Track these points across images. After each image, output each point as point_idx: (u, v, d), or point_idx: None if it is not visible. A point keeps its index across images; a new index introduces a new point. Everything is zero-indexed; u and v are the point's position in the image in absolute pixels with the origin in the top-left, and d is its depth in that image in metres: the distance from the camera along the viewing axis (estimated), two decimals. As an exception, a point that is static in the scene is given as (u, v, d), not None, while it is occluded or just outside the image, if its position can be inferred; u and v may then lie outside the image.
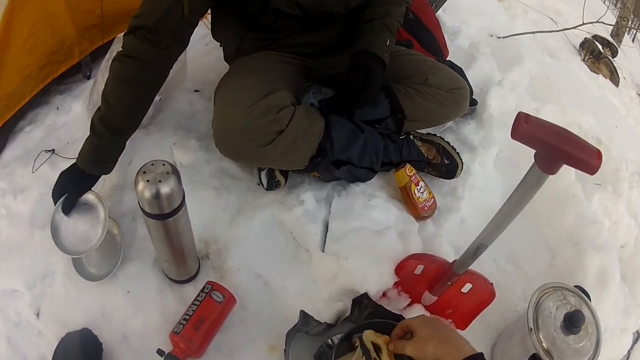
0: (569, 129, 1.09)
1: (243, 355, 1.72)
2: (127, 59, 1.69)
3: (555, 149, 1.07)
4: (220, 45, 2.22)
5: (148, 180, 1.36)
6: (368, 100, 1.99)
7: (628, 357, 2.30)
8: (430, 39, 2.63)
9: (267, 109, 1.76)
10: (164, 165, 1.40)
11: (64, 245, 1.76)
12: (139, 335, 1.72)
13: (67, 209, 1.79)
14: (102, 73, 2.10)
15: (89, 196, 1.83)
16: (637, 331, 2.38)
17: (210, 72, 2.50)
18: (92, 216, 1.81)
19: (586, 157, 1.06)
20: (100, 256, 1.87)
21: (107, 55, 2.13)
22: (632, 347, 2.30)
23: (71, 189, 1.79)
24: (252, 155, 1.84)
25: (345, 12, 1.98)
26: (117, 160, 1.83)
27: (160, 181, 1.36)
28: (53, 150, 2.11)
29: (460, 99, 2.19)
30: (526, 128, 1.07)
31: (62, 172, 1.80)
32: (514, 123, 1.08)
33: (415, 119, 2.16)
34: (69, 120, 2.27)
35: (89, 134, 1.74)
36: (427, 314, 1.88)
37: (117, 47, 2.09)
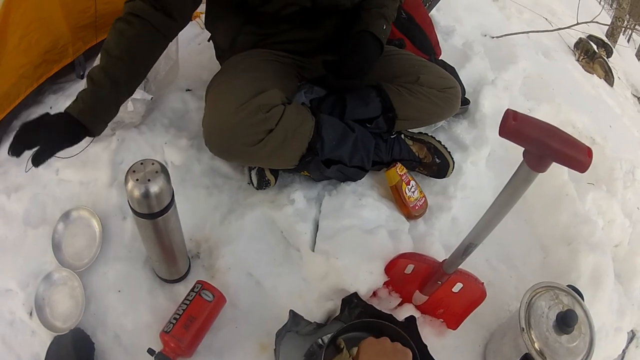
0: (563, 129, 1.09)
1: (234, 355, 1.72)
2: (133, 18, 1.67)
3: (544, 146, 1.07)
4: (209, 40, 2.22)
5: (137, 180, 1.36)
6: (361, 77, 2.00)
7: (623, 357, 2.29)
8: (422, 38, 2.63)
9: (257, 108, 1.76)
10: (153, 164, 1.40)
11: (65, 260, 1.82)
12: (130, 335, 1.72)
13: (39, 161, 1.55)
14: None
15: (83, 212, 1.88)
16: (631, 330, 2.38)
17: (202, 71, 2.50)
18: (88, 232, 1.86)
19: (576, 155, 1.06)
20: (79, 247, 1.89)
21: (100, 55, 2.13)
22: (627, 347, 2.30)
23: (52, 138, 1.59)
24: (242, 154, 1.84)
25: (351, 5, 2.00)
26: (107, 123, 1.71)
27: (149, 180, 1.36)
28: (45, 149, 2.09)
29: (452, 98, 2.19)
30: (514, 125, 1.06)
31: (42, 117, 1.61)
32: (501, 120, 1.08)
33: (407, 118, 2.16)
34: (62, 119, 2.26)
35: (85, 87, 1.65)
36: (418, 313, 1.89)
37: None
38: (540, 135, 1.07)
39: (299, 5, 1.89)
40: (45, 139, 1.56)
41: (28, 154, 1.51)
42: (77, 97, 1.64)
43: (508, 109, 1.09)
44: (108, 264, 1.85)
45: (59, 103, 2.31)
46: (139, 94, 2.05)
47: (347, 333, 1.58)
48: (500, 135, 1.09)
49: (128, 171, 1.38)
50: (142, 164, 1.39)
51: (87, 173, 2.02)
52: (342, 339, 1.51)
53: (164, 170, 1.40)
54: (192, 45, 2.75)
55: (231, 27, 2.04)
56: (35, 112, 2.28)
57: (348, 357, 1.44)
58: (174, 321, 1.62)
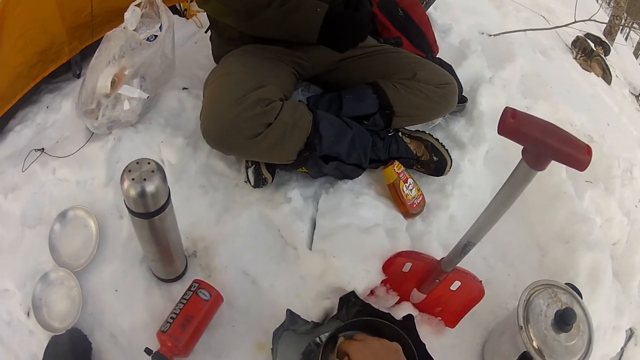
0: (560, 127, 1.08)
1: (231, 354, 1.72)
2: None
3: (543, 144, 1.06)
4: (207, 31, 2.22)
5: (133, 179, 1.35)
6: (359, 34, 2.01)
7: (621, 355, 2.30)
8: (420, 36, 2.63)
9: (256, 101, 1.76)
10: (149, 163, 1.39)
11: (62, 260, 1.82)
12: (127, 334, 1.72)
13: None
14: (91, 71, 2.09)
15: (80, 212, 1.89)
16: (630, 329, 2.38)
17: (199, 70, 2.49)
18: (84, 232, 1.86)
19: (575, 153, 1.05)
20: (76, 247, 1.88)
21: (96, 54, 2.12)
22: (625, 345, 2.30)
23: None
24: (240, 147, 1.84)
25: None
26: None
27: (145, 179, 1.35)
28: (43, 149, 2.10)
29: (449, 95, 2.20)
30: (513, 123, 1.05)
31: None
32: (500, 118, 1.07)
33: (404, 115, 2.16)
34: (59, 118, 2.27)
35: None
36: (416, 312, 1.88)
37: (106, 45, 2.09)
38: (540, 134, 1.06)
39: None
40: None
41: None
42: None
43: (507, 107, 1.08)
44: (105, 264, 1.85)
45: (55, 102, 2.31)
46: (135, 92, 2.05)
47: (344, 332, 1.57)
48: (499, 133, 1.08)
49: (124, 170, 1.38)
50: (138, 163, 1.39)
51: (84, 172, 2.02)
52: (343, 337, 1.51)
53: (159, 169, 1.39)
54: (189, 44, 2.75)
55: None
56: (31, 112, 2.29)
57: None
58: (171, 320, 1.62)
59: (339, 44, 1.92)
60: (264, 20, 1.88)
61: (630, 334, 2.40)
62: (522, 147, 1.11)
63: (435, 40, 2.78)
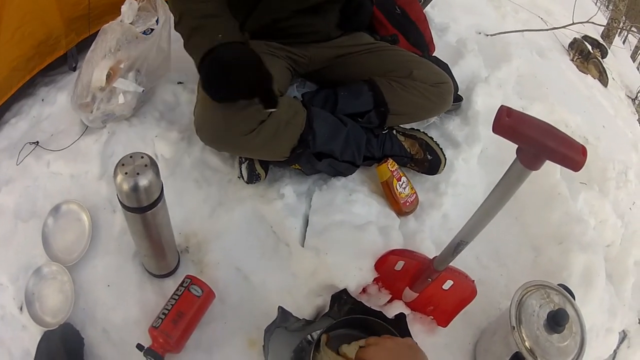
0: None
1: (223, 350, 1.72)
2: None
3: (538, 144, 1.06)
4: None
5: (126, 173, 1.35)
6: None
7: (614, 357, 2.30)
8: (416, 33, 2.63)
9: None
10: (142, 157, 1.39)
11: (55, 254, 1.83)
12: (119, 330, 1.72)
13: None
14: (86, 64, 2.08)
15: (73, 206, 1.90)
16: (623, 331, 2.39)
17: (194, 64, 2.47)
18: (78, 226, 1.87)
19: (570, 153, 1.05)
20: (69, 241, 1.88)
21: (92, 47, 2.11)
22: (618, 347, 2.31)
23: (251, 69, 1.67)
24: (233, 143, 1.83)
25: None
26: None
27: (138, 174, 1.35)
28: (37, 142, 2.09)
29: (445, 94, 2.20)
30: (508, 122, 1.05)
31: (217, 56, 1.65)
32: (495, 116, 1.06)
33: (399, 113, 2.16)
34: (54, 111, 2.26)
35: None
36: (408, 310, 1.88)
37: (102, 38, 2.08)
38: (535, 133, 1.06)
39: None
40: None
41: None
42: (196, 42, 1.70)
43: (502, 106, 1.08)
44: (97, 258, 1.85)
45: (51, 95, 2.31)
46: (130, 86, 2.04)
47: (336, 329, 1.57)
48: (493, 131, 1.07)
49: (117, 165, 1.37)
50: (131, 157, 1.38)
51: (78, 166, 2.02)
52: (325, 336, 1.51)
53: (153, 163, 1.39)
54: (186, 39, 2.74)
55: (243, 11, 2.00)
56: (27, 104, 2.29)
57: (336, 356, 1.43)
58: (163, 316, 1.62)
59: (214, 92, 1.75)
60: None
61: (623, 336, 2.41)
62: (516, 146, 1.11)
63: (432, 39, 2.77)
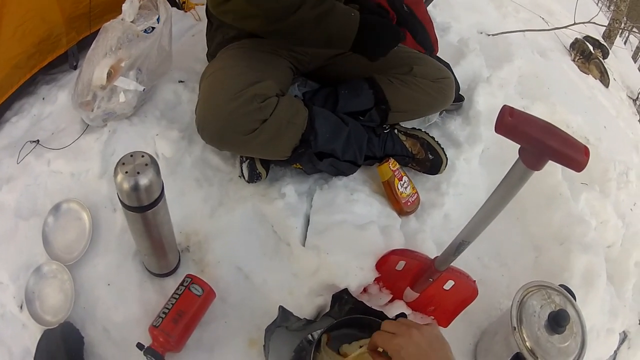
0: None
1: (223, 350, 1.71)
2: None
3: (541, 144, 1.05)
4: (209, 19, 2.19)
5: (127, 172, 1.34)
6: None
7: (614, 358, 2.30)
8: (423, 32, 2.62)
9: (252, 97, 1.75)
10: (142, 156, 1.38)
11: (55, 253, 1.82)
12: (120, 329, 1.71)
13: None
14: (87, 63, 2.08)
15: (73, 205, 1.89)
16: (623, 332, 2.38)
17: (196, 63, 2.48)
18: (78, 225, 1.86)
19: (573, 154, 1.04)
20: (69, 240, 1.88)
21: (93, 45, 2.11)
22: (618, 348, 2.31)
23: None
24: (235, 143, 1.83)
25: None
26: None
27: (138, 173, 1.34)
28: (38, 140, 2.09)
29: (446, 89, 2.20)
30: (511, 121, 1.05)
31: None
32: (498, 116, 1.06)
33: (400, 110, 2.17)
34: (55, 110, 2.26)
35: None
36: (409, 310, 1.88)
37: (103, 36, 2.08)
38: (537, 133, 1.05)
39: None
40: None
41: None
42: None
43: (505, 105, 1.07)
44: (98, 257, 1.84)
45: (52, 93, 2.30)
46: (131, 84, 2.04)
47: (337, 329, 1.57)
48: (496, 131, 1.07)
49: (117, 164, 1.37)
50: (131, 156, 1.38)
51: (79, 164, 2.01)
52: (326, 336, 1.51)
53: (153, 162, 1.38)
54: (186, 37, 2.73)
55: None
56: (27, 103, 2.29)
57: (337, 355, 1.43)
58: (163, 315, 1.61)
59: (375, 51, 1.90)
60: (296, 22, 1.78)
61: (624, 337, 2.40)
62: (518, 147, 1.11)
63: (437, 40, 2.77)
